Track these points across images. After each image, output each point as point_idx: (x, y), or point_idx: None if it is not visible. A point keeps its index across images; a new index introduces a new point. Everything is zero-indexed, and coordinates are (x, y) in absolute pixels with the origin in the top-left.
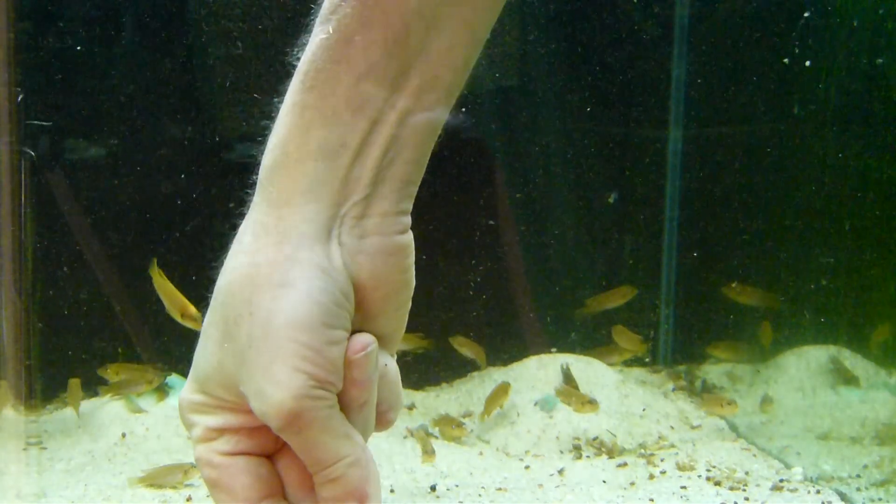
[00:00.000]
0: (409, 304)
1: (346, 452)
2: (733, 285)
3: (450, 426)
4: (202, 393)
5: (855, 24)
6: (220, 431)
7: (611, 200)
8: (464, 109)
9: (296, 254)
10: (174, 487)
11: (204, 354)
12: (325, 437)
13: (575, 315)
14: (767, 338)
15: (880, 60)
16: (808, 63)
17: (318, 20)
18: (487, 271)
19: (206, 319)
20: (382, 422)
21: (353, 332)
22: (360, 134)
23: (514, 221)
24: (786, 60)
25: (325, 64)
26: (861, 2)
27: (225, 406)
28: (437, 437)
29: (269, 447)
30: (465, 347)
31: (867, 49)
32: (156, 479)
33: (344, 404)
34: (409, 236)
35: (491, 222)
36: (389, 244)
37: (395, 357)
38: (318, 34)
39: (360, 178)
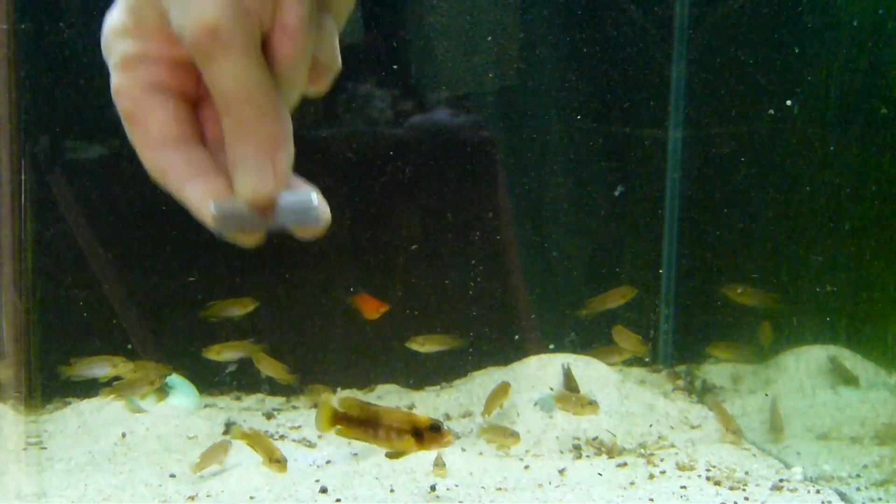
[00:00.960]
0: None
1: (259, 95)
2: (734, 287)
3: (502, 435)
4: (129, 12)
5: (855, 24)
6: (141, 59)
7: (617, 193)
8: (464, 109)
9: None
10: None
11: None
12: (239, 62)
13: (576, 315)
14: (767, 338)
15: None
16: (800, 49)
17: None
18: (488, 271)
19: None
20: (316, 81)
21: None
22: None
23: (515, 222)
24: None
25: None
26: (861, 2)
27: (148, 30)
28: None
29: (191, 89)
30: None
31: (867, 49)
32: (204, 462)
33: (271, 59)
34: None
35: (491, 222)
36: None
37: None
38: None
39: None
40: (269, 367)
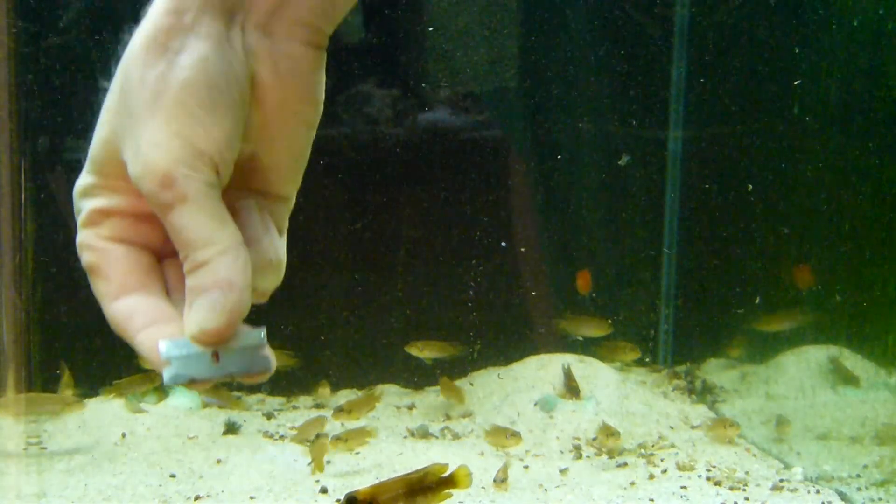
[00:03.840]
0: (313, 133)
1: (218, 238)
2: (767, 318)
3: (503, 436)
4: (93, 173)
5: (855, 23)
6: (106, 214)
7: (622, 163)
8: (464, 109)
9: (195, 24)
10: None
11: (99, 126)
12: (198, 214)
13: (554, 324)
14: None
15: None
16: (798, 81)
17: None
18: (488, 271)
19: (109, 90)
20: (261, 281)
21: (251, 150)
22: None
23: (515, 222)
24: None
25: None
26: (861, 2)
27: (112, 186)
28: (437, 437)
29: (156, 242)
30: (447, 390)
31: (867, 49)
32: (302, 433)
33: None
34: (321, 54)
35: (491, 223)
36: (296, 50)
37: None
38: None
39: None
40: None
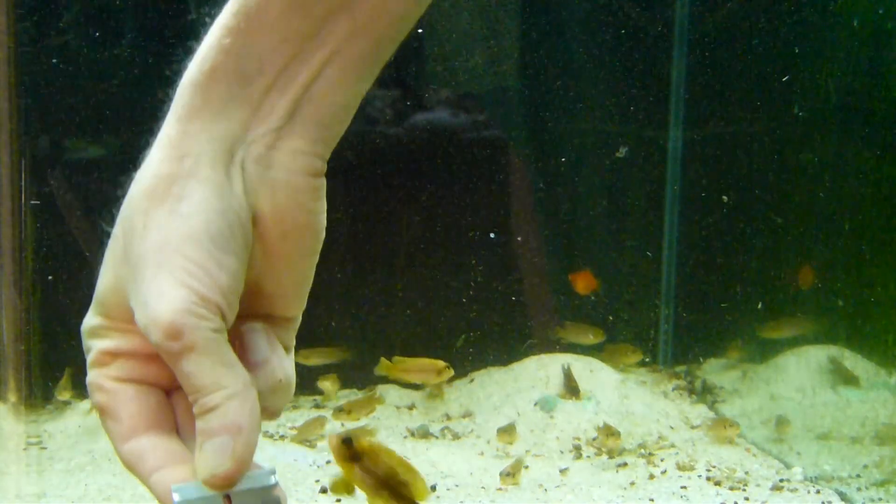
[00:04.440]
0: (315, 258)
1: (226, 383)
2: (770, 324)
3: (509, 434)
4: (101, 315)
5: (855, 23)
6: (114, 356)
7: (620, 154)
8: (464, 108)
9: (196, 170)
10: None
11: (104, 271)
12: (205, 361)
13: (555, 332)
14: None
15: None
16: (786, 77)
17: None
18: (488, 271)
19: (111, 235)
20: (272, 402)
21: (254, 278)
22: (280, 63)
23: (515, 222)
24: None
25: None
26: (861, 2)
27: (120, 328)
28: (437, 437)
29: (165, 381)
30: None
31: (867, 49)
32: (303, 433)
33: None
34: (321, 181)
35: (491, 223)
36: (296, 181)
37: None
38: None
39: (276, 108)
40: (322, 357)
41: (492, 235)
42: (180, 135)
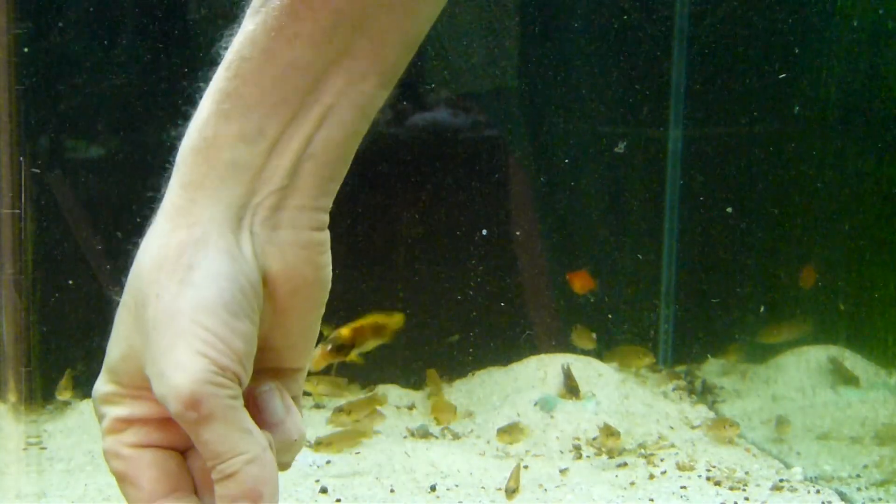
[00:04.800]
0: (322, 309)
1: (244, 448)
2: (770, 328)
3: (511, 432)
4: (113, 382)
5: (855, 24)
6: (129, 422)
7: (619, 150)
8: (464, 108)
9: (205, 237)
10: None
11: (116, 340)
12: (224, 429)
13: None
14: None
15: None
16: (782, 75)
17: (248, 12)
18: (487, 271)
19: (120, 304)
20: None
21: (265, 335)
22: (280, 124)
23: (515, 222)
24: (783, 74)
25: (250, 53)
26: (861, 2)
27: (134, 395)
28: (436, 437)
29: (180, 442)
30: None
31: (867, 49)
32: (352, 411)
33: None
34: (326, 234)
35: (491, 223)
36: (302, 238)
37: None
38: (247, 25)
39: (278, 169)
40: (329, 386)
41: (484, 232)
42: (187, 203)
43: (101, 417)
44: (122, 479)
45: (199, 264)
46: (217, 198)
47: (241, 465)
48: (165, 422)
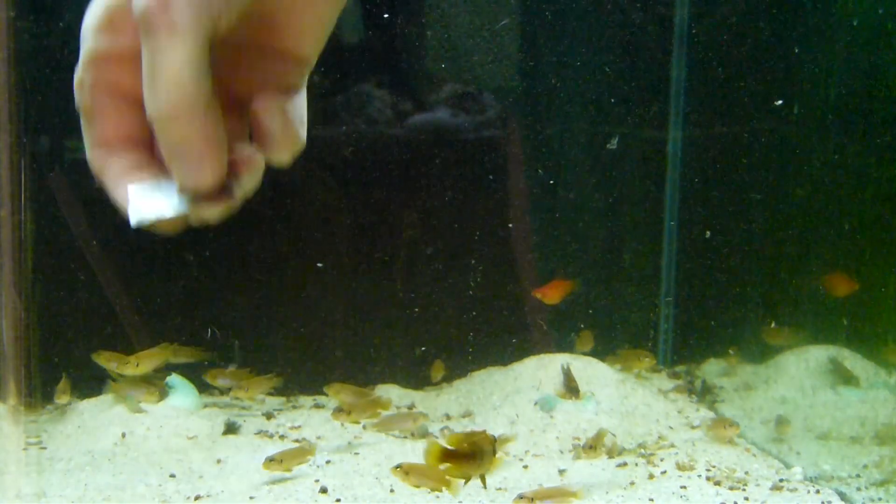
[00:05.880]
0: (339, 5)
1: (191, 88)
2: (770, 327)
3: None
4: (103, 6)
5: (855, 24)
6: (107, 57)
7: (612, 146)
8: (464, 108)
9: None
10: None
11: None
12: (180, 51)
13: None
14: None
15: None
16: (786, 76)
17: None
18: (488, 271)
19: None
20: (277, 150)
21: (269, 9)
22: None
23: (515, 222)
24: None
25: None
26: (861, 2)
27: (119, 22)
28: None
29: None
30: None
31: (867, 49)
32: (285, 461)
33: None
34: None
35: (491, 223)
36: None
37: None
38: None
39: None
40: (185, 356)
41: (477, 235)
42: None
43: (83, 47)
44: (85, 115)
45: None
46: None
47: (183, 89)
48: (140, 64)
